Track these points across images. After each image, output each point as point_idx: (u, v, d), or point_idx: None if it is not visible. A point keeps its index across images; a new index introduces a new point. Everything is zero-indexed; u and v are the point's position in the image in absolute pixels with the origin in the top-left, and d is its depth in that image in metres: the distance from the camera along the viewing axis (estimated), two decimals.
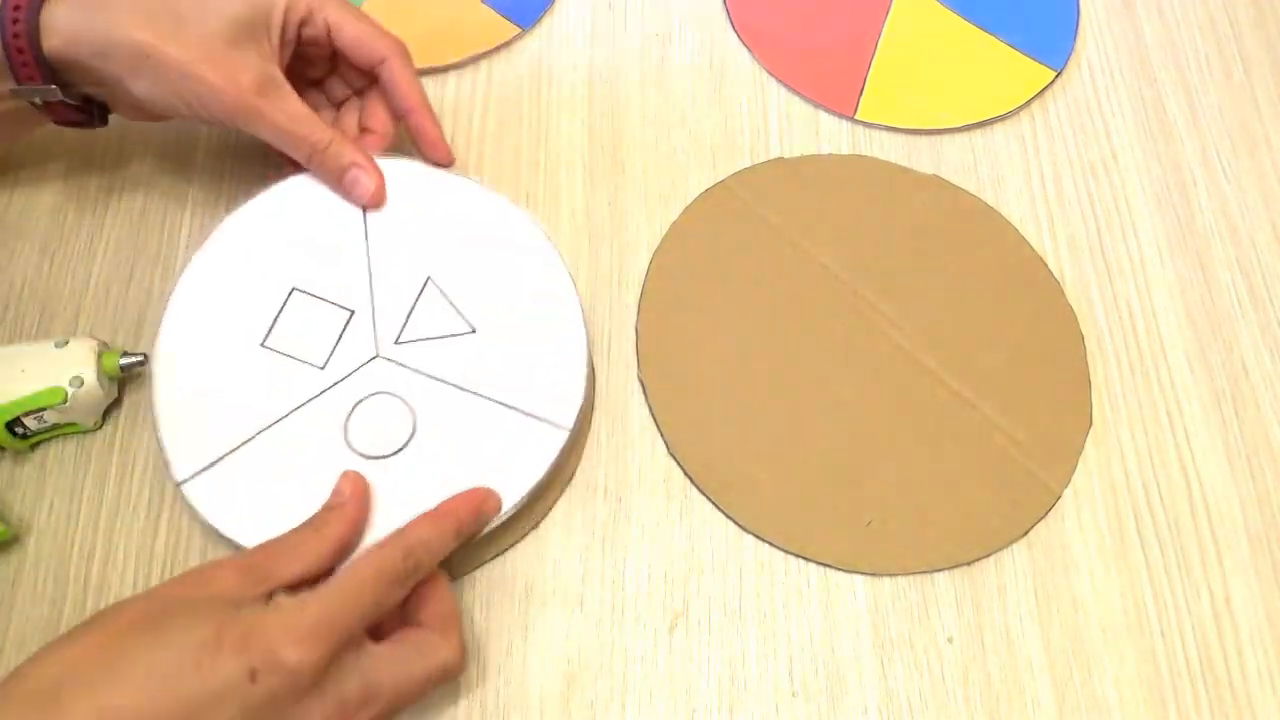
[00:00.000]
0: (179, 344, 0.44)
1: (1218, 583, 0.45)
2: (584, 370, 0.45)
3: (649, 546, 0.45)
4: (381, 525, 0.41)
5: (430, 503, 0.41)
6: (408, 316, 0.45)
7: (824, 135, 0.55)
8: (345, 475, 0.41)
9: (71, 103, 0.44)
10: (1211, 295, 0.52)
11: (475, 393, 0.44)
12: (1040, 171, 0.55)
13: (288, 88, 0.44)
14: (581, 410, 0.44)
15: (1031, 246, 0.52)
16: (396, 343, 0.45)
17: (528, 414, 0.44)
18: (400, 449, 0.43)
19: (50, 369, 0.43)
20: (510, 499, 0.42)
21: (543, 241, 0.47)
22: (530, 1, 0.58)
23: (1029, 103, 0.57)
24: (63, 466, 0.45)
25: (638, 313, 0.49)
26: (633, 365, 0.48)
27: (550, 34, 0.57)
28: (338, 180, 0.46)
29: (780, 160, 0.54)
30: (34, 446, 0.45)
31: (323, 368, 0.44)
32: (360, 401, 0.43)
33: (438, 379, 0.44)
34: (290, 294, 0.45)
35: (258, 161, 0.51)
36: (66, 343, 0.44)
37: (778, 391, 0.48)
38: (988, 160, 0.55)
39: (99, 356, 0.44)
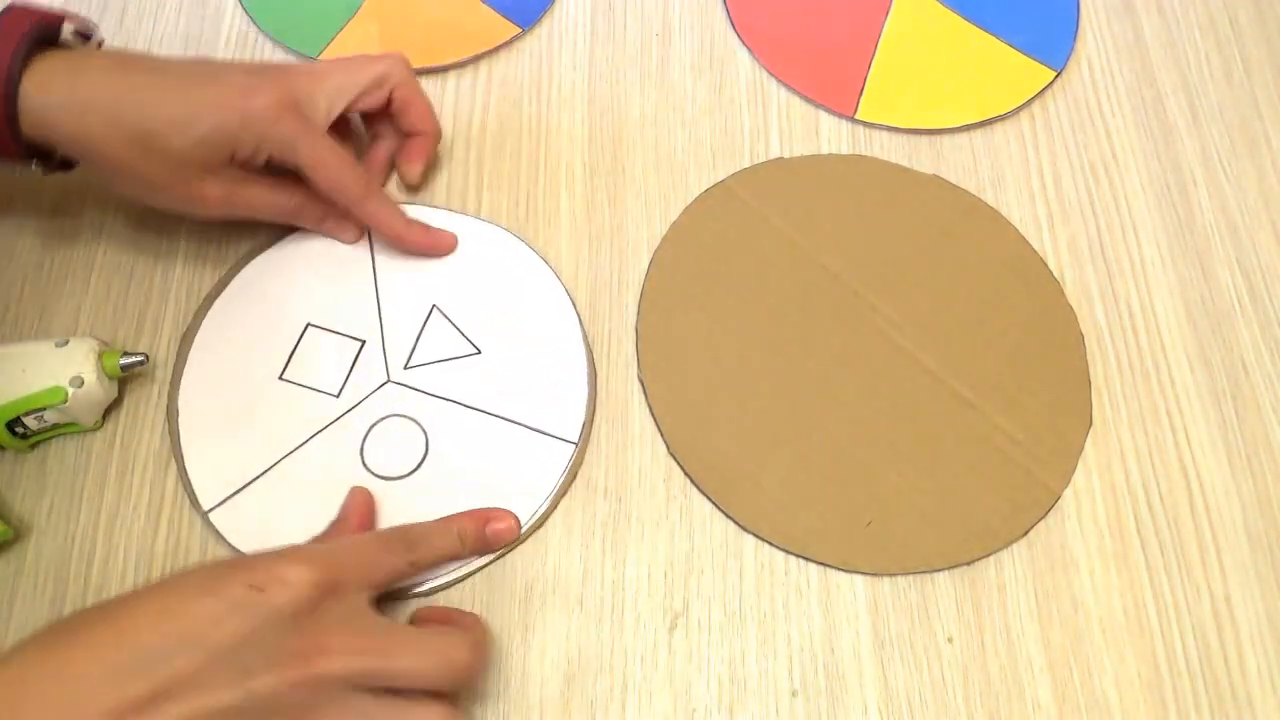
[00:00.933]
0: (203, 381, 0.46)
1: (1218, 583, 0.45)
2: (586, 384, 0.47)
3: (649, 546, 0.45)
4: None
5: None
6: (415, 342, 0.47)
7: (824, 135, 0.55)
8: (352, 491, 0.44)
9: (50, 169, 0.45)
10: (1211, 295, 0.52)
11: (483, 410, 0.46)
12: (1040, 171, 0.55)
13: (251, 177, 0.46)
14: (585, 422, 0.46)
15: (1031, 246, 0.52)
16: (406, 367, 0.47)
17: (534, 429, 0.46)
18: (415, 469, 0.45)
19: (50, 369, 0.43)
20: (524, 513, 0.44)
21: (539, 263, 0.50)
22: (530, 1, 0.58)
23: (1029, 103, 0.57)
24: (63, 466, 0.45)
25: (638, 313, 0.49)
26: (633, 365, 0.48)
27: (550, 34, 0.57)
28: (319, 229, 0.49)
29: (780, 160, 0.54)
30: (34, 446, 0.45)
31: (337, 395, 0.46)
32: (374, 425, 0.46)
33: (446, 399, 0.46)
34: (305, 329, 0.47)
35: None
36: (66, 342, 0.44)
37: (778, 391, 0.48)
38: (988, 160, 0.55)
39: (99, 356, 0.44)
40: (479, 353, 0.47)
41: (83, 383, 0.43)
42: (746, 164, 0.54)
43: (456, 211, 0.51)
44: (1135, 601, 0.45)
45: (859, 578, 0.44)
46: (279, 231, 0.50)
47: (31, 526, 0.44)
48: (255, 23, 0.56)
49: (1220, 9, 0.61)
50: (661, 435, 0.47)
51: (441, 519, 0.42)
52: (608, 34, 0.58)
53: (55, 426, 0.44)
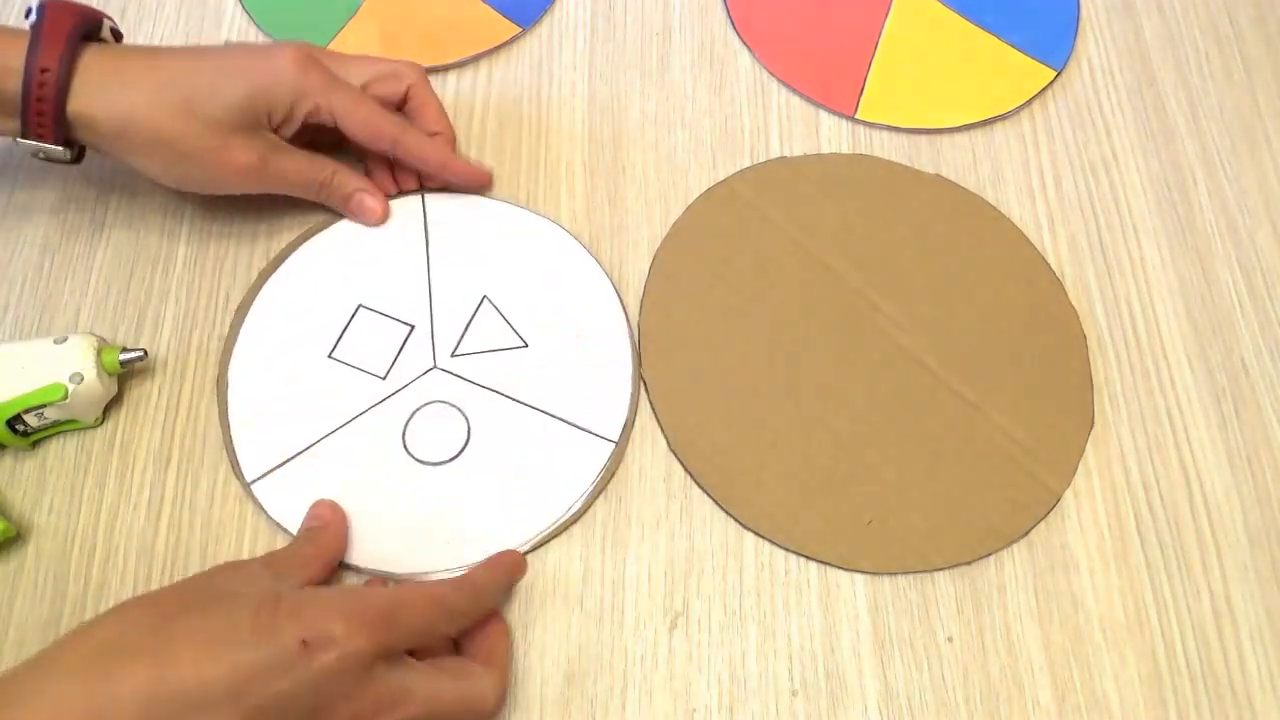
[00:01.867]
0: (253, 354, 0.47)
1: (1218, 583, 0.45)
2: (630, 384, 0.47)
3: (649, 546, 0.45)
4: (438, 529, 0.44)
5: (482, 509, 0.44)
6: (464, 331, 0.48)
7: (824, 135, 0.55)
8: (320, 502, 0.44)
9: (68, 159, 0.46)
10: (1211, 295, 0.52)
11: (526, 404, 0.46)
12: (1040, 171, 0.55)
13: (286, 147, 0.47)
14: (627, 422, 0.46)
15: (1032, 246, 0.52)
16: (453, 355, 0.47)
17: (575, 426, 0.46)
18: (455, 456, 0.45)
19: (50, 366, 0.43)
20: (561, 507, 0.44)
21: (592, 263, 0.50)
22: (530, 1, 0.58)
23: (1029, 102, 0.57)
24: (63, 464, 0.45)
25: (639, 312, 0.49)
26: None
27: (550, 34, 0.57)
28: (345, 207, 0.50)
29: (782, 159, 0.54)
30: (35, 444, 0.45)
31: (384, 378, 0.47)
32: (418, 409, 0.46)
33: (491, 389, 0.47)
34: (356, 310, 0.48)
35: None
36: (66, 339, 0.44)
37: (779, 390, 0.48)
38: (988, 160, 0.55)
39: (98, 352, 0.44)
40: (526, 346, 0.48)
41: (82, 379, 0.43)
42: (746, 164, 0.54)
43: (508, 201, 0.51)
44: (1135, 601, 0.45)
45: (859, 577, 0.44)
46: (332, 214, 0.51)
47: (32, 525, 0.44)
48: (255, 22, 0.56)
49: (1220, 9, 0.61)
50: (663, 433, 0.47)
51: (491, 564, 0.42)
52: (608, 34, 0.58)
53: (56, 424, 0.44)
